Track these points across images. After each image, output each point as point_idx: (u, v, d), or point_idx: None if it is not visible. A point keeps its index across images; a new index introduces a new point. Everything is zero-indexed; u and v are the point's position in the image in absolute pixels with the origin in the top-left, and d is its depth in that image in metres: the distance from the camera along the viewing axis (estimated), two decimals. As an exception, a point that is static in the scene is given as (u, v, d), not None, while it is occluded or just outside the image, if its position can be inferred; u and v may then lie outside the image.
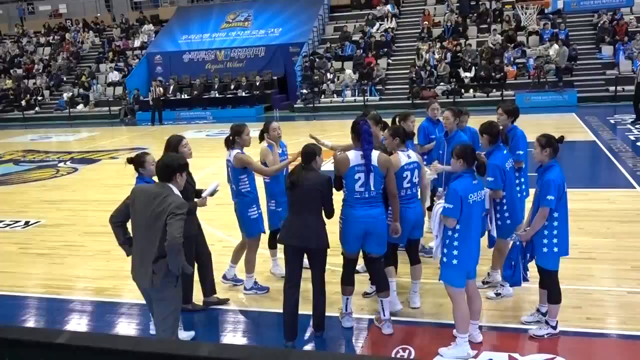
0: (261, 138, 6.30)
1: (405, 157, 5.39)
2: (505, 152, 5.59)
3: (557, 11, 22.59)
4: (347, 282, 5.34)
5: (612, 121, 16.32)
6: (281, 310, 5.17)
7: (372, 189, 5.02)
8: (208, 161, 13.69)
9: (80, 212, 10.24)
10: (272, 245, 6.56)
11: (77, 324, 6.04)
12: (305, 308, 5.30)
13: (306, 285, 5.37)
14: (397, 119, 6.60)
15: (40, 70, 29.80)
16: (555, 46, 21.37)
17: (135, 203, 4.36)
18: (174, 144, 5.52)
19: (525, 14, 23.23)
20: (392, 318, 5.37)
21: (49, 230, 9.23)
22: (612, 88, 20.16)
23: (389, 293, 5.31)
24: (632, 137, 13.79)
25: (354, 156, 5.04)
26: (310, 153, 5.09)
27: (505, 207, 5.54)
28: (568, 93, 20.32)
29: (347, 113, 21.64)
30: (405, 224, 5.35)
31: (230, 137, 6.05)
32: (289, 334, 5.10)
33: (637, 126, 15.18)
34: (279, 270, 6.50)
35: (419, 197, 5.60)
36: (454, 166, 4.79)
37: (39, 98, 28.13)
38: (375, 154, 5.03)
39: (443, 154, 6.48)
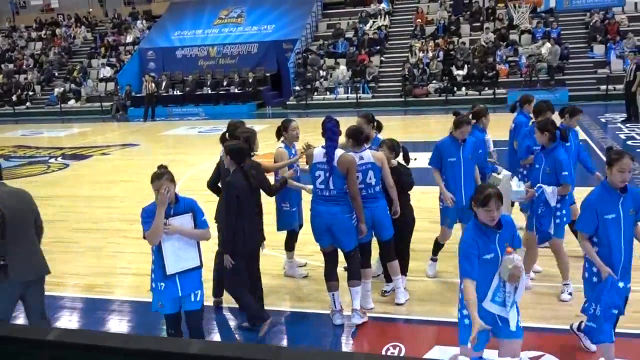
0: (278, 136, 6.25)
1: (356, 158, 5.37)
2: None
3: (549, 10, 22.65)
4: (328, 277, 5.39)
5: (603, 120, 16.41)
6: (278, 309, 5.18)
7: (332, 187, 5.10)
8: (201, 158, 13.68)
9: (71, 209, 10.20)
10: (288, 247, 6.49)
11: (68, 321, 6.02)
12: (298, 306, 5.31)
13: (298, 283, 5.38)
14: (470, 116, 6.59)
15: (32, 65, 29.60)
16: (547, 45, 21.47)
17: None
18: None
19: (518, 12, 23.31)
20: (375, 315, 5.42)
21: (39, 227, 9.18)
22: (603, 87, 20.27)
23: (359, 284, 5.36)
24: (622, 136, 13.87)
25: (318, 152, 5.17)
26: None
27: (565, 205, 5.58)
28: (560, 91, 20.40)
29: (340, 110, 21.68)
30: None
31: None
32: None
33: (628, 125, 15.28)
34: (294, 272, 6.52)
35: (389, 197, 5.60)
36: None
37: (30, 93, 27.95)
38: (338, 153, 5.09)
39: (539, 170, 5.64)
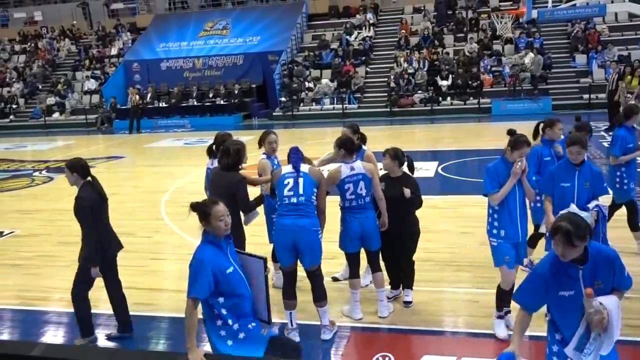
0: (260, 145, 6.26)
1: (347, 169, 5.39)
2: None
3: (531, 20, 22.90)
4: (288, 295, 5.34)
5: (586, 128, 16.57)
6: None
7: (301, 193, 5.11)
8: (186, 169, 13.62)
9: (56, 222, 10.09)
10: (276, 258, 6.37)
11: (53, 335, 5.94)
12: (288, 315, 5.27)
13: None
14: (541, 126, 6.37)
15: (15, 78, 29.38)
16: (530, 54, 21.73)
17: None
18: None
19: (501, 23, 23.56)
20: (364, 325, 5.43)
21: (23, 241, 9.07)
22: (585, 96, 20.53)
23: (326, 304, 5.32)
24: (605, 144, 14.03)
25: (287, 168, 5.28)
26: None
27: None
28: (543, 101, 20.63)
29: (326, 121, 21.74)
30: (351, 233, 5.47)
31: (214, 146, 5.99)
32: None
33: (610, 133, 15.45)
34: (281, 284, 6.45)
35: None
36: None
37: (14, 106, 27.72)
38: (306, 166, 5.22)
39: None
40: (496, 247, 5.07)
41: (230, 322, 3.69)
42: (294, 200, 5.09)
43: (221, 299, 3.66)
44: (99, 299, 6.59)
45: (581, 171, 5.16)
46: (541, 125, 6.34)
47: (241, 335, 3.70)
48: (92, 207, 5.18)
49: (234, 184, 5.22)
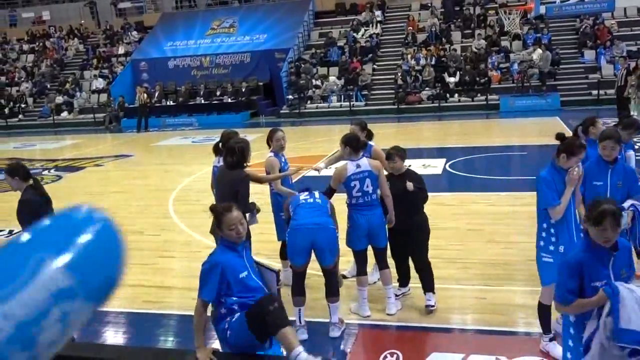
0: (269, 144, 6.25)
1: (353, 166, 5.40)
2: None
3: (539, 16, 22.82)
4: (297, 292, 5.35)
5: (595, 124, 16.47)
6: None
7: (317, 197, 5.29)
8: (194, 168, 13.65)
9: (65, 221, 10.12)
10: (284, 256, 6.40)
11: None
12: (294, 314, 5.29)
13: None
14: (580, 128, 6.11)
15: (24, 78, 29.55)
16: (539, 51, 21.61)
17: None
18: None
19: (509, 19, 23.46)
20: (372, 322, 5.42)
21: (33, 239, 9.11)
22: (594, 92, 20.40)
23: (338, 299, 5.33)
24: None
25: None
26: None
27: None
28: (551, 97, 20.53)
29: (333, 118, 21.73)
30: (358, 230, 5.47)
31: (220, 144, 6.00)
32: None
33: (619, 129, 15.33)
34: (289, 281, 6.46)
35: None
36: None
37: (23, 106, 27.88)
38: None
39: None
40: (552, 264, 4.41)
41: (237, 310, 3.65)
42: (310, 200, 5.22)
43: (234, 298, 3.66)
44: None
45: (615, 169, 4.97)
46: (580, 127, 6.00)
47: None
48: (37, 210, 4.97)
49: (236, 182, 5.24)
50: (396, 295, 5.87)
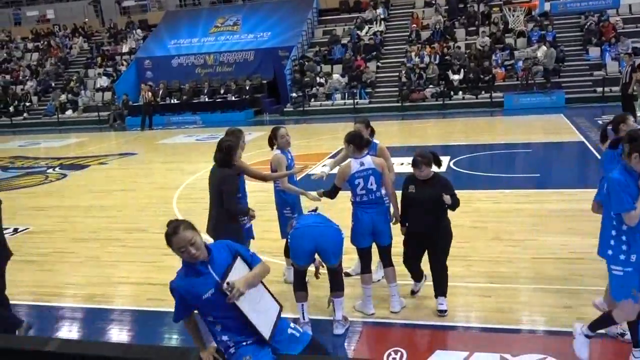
0: (271, 145, 6.22)
1: (357, 164, 5.39)
2: None
3: (544, 13, 22.74)
4: (299, 288, 5.35)
5: (599, 122, 16.42)
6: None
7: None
8: (198, 166, 13.66)
9: (70, 219, 10.17)
10: (288, 254, 6.32)
11: (68, 331, 6.00)
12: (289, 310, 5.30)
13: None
14: (609, 127, 5.64)
15: (28, 76, 29.63)
16: (543, 48, 21.55)
17: None
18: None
19: (513, 16, 23.38)
20: (376, 320, 5.40)
21: (38, 237, 9.16)
22: (599, 89, 20.33)
23: (343, 295, 5.34)
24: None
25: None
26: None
27: None
28: (556, 94, 20.47)
29: (337, 116, 21.72)
30: (362, 228, 5.47)
31: None
32: None
33: (624, 126, 15.28)
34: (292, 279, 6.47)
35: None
36: None
37: (27, 104, 27.96)
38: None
39: None
40: (622, 277, 4.09)
41: (224, 338, 3.39)
42: (315, 213, 5.36)
43: (210, 318, 3.39)
44: (114, 295, 6.65)
45: None
46: (609, 126, 5.58)
47: (232, 351, 3.38)
48: None
49: (221, 180, 5.22)
50: (413, 292, 5.87)
